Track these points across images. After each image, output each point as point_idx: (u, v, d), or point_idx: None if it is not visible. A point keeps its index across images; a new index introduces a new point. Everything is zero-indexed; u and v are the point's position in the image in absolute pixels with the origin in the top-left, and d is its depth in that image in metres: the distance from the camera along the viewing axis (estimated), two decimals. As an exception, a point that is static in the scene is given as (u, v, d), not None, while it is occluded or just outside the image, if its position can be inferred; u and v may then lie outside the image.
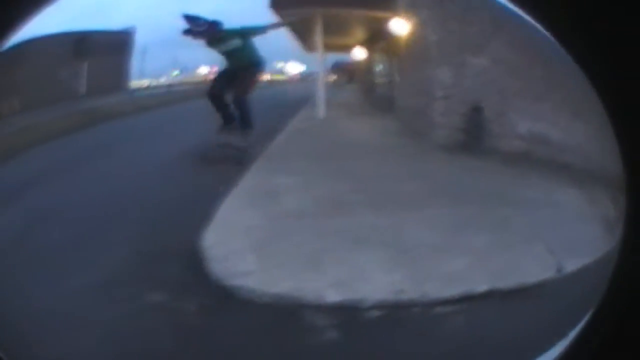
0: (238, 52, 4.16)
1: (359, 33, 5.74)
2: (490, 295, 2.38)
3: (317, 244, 2.90)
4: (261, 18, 4.43)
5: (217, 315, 2.44)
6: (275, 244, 2.93)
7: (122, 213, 3.40)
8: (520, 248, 2.76)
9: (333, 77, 5.76)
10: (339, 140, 4.81)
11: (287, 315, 2.38)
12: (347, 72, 6.21)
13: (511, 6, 1.25)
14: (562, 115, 3.16)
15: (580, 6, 1.07)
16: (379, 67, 6.14)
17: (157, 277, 2.69)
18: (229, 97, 4.15)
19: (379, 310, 2.33)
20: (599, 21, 1.07)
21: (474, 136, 3.92)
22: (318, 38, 5.02)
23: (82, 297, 2.51)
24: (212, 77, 4.35)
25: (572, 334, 1.33)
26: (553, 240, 2.76)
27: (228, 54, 4.18)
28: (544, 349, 1.50)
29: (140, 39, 4.58)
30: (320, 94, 5.19)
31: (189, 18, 4.04)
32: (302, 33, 5.05)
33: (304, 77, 5.97)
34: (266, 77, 6.19)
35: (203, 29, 4.08)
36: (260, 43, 4.71)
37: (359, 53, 5.94)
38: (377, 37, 5.60)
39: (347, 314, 2.34)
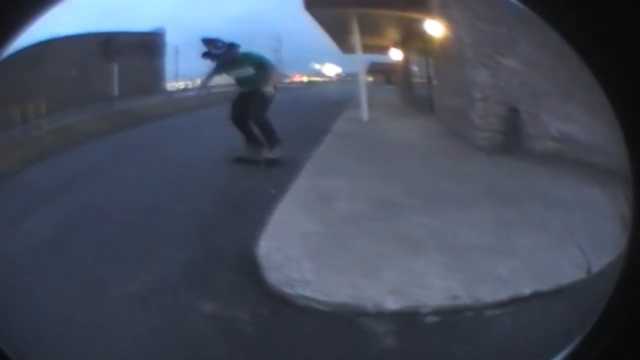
0: (250, 79, 4.33)
1: (393, 34, 5.82)
2: (534, 298, 2.42)
3: (374, 249, 2.91)
4: (295, 18, 4.64)
5: (273, 324, 2.44)
6: (332, 251, 2.92)
7: (171, 218, 3.46)
8: (558, 249, 2.78)
9: (370, 78, 5.86)
10: (385, 142, 4.90)
11: (345, 323, 2.38)
12: (384, 73, 6.36)
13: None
14: (585, 115, 3.16)
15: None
16: (414, 68, 6.18)
17: (210, 285, 2.70)
18: (249, 121, 4.31)
19: (436, 316, 2.36)
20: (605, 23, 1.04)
21: (511, 138, 3.99)
22: (356, 38, 5.10)
23: (131, 305, 2.53)
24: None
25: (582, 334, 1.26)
26: (583, 240, 2.79)
27: (240, 81, 4.37)
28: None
29: (171, 40, 4.80)
30: (363, 96, 5.30)
31: (207, 41, 4.23)
32: (337, 34, 5.17)
33: (342, 78, 6.16)
34: (304, 78, 6.47)
35: (222, 52, 4.27)
36: (295, 45, 4.98)
37: (396, 54, 6.07)
38: (411, 38, 5.67)
39: (405, 320, 2.36)
